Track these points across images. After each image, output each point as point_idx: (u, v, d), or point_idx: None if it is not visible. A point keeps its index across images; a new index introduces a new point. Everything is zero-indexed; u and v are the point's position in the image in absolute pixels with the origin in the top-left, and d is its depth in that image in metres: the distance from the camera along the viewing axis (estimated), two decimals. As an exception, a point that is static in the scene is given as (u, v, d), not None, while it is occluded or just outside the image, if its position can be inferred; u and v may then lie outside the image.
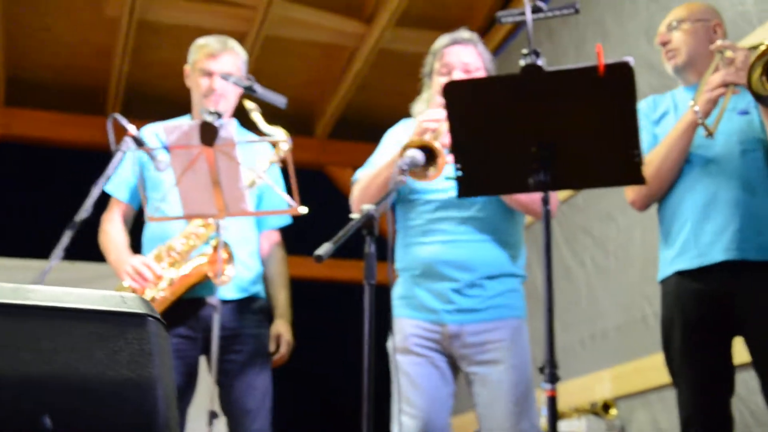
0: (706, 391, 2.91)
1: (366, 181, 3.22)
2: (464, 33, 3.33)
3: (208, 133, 3.03)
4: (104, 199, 3.24)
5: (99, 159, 3.59)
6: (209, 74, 3.54)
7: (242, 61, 3.66)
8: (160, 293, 3.38)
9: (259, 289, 3.62)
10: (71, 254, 3.21)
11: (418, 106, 3.38)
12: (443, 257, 3.11)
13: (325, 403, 6.28)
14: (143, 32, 6.26)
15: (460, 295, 3.10)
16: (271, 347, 3.66)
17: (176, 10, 6.17)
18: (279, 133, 3.37)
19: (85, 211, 3.08)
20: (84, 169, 3.84)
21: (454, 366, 3.16)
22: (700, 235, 2.94)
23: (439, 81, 3.21)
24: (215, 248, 3.33)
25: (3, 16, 5.93)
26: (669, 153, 2.97)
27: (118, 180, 3.53)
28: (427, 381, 3.10)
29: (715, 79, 2.90)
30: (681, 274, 2.99)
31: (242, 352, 3.47)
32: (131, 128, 3.24)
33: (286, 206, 3.52)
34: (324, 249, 2.37)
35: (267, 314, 3.65)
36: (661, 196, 3.07)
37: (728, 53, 2.91)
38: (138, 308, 1.28)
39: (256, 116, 3.40)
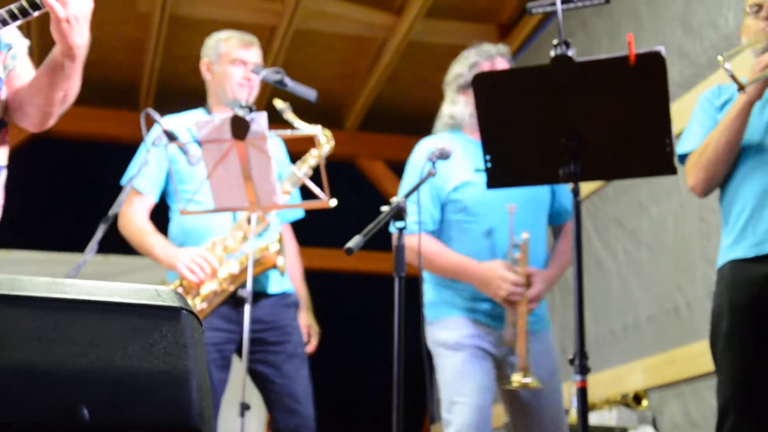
0: (748, 378, 2.88)
1: (436, 265, 3.34)
2: (491, 48, 3.49)
3: (240, 127, 3.04)
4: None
5: (132, 153, 3.63)
6: (244, 63, 3.56)
7: (260, 55, 3.71)
8: (222, 286, 3.42)
9: (290, 283, 3.65)
10: (103, 248, 3.24)
11: (439, 123, 3.49)
12: None
13: (355, 393, 6.28)
14: (174, 27, 6.28)
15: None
16: (306, 339, 3.72)
17: (207, 4, 6.19)
18: (318, 131, 3.42)
19: (118, 205, 3.10)
20: (117, 163, 3.86)
21: (499, 368, 3.29)
22: (758, 224, 2.91)
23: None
24: (280, 240, 3.43)
25: (36, 13, 5.97)
26: (723, 136, 2.94)
27: (146, 176, 3.52)
28: (482, 373, 3.22)
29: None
30: (736, 262, 2.96)
31: (289, 343, 3.51)
32: (163, 122, 3.26)
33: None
34: (354, 241, 2.38)
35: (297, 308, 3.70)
36: (719, 182, 3.03)
37: None
38: (172, 302, 1.30)
39: (289, 114, 3.43)
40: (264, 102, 4.84)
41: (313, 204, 3.38)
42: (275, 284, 3.54)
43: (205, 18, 6.28)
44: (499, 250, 3.24)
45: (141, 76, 6.80)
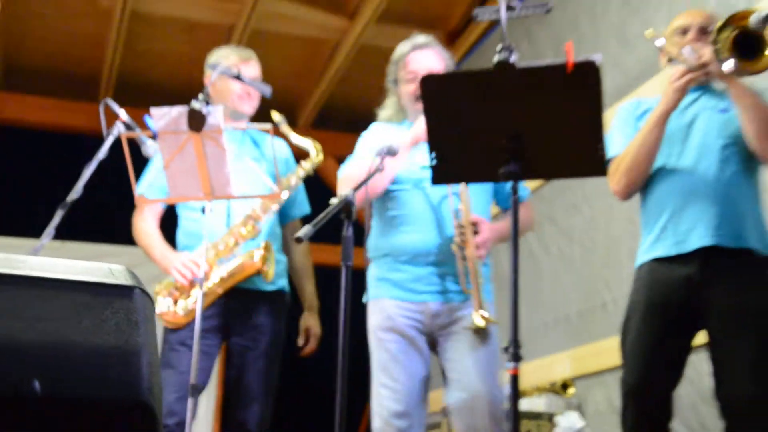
0: (648, 370, 2.93)
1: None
2: (421, 38, 3.33)
3: (196, 120, 3.01)
4: (94, 181, 3.20)
5: (90, 143, 3.57)
6: (238, 78, 3.56)
7: (258, 66, 3.70)
8: (212, 289, 3.42)
9: (285, 283, 3.64)
10: (64, 234, 3.20)
11: (385, 113, 3.39)
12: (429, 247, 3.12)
13: (303, 377, 6.24)
14: (135, 23, 6.21)
15: (442, 279, 3.11)
16: (300, 340, 3.69)
17: (167, 2, 6.13)
18: (310, 145, 3.53)
19: (76, 192, 3.07)
20: (76, 152, 3.81)
21: (433, 346, 3.15)
22: (679, 223, 2.96)
23: (408, 89, 3.24)
24: (266, 247, 3.41)
25: None
26: (642, 144, 3.00)
27: (148, 182, 3.52)
28: (408, 358, 3.08)
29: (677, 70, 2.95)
30: (657, 261, 3.01)
31: (262, 342, 3.49)
32: (122, 113, 3.22)
33: (306, 205, 3.61)
34: (304, 231, 2.37)
35: (288, 308, 3.66)
36: (640, 186, 3.08)
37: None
38: (125, 280, 1.28)
39: (285, 127, 3.48)
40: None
41: (264, 195, 3.37)
42: (268, 284, 3.51)
43: (165, 15, 6.23)
44: (444, 217, 3.13)
45: (102, 70, 6.71)
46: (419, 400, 3.08)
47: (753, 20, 2.80)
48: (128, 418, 1.20)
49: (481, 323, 2.96)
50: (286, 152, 3.73)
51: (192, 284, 3.39)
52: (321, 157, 3.59)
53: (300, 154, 3.70)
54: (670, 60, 3.06)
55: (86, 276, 1.27)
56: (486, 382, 3.01)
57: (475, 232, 3.07)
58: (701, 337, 3.00)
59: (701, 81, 3.07)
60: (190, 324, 3.36)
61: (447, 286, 3.12)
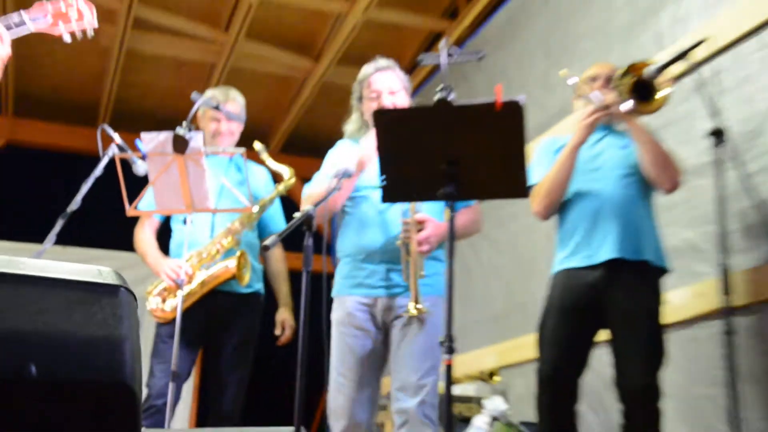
0: (561, 364, 2.97)
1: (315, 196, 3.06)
2: (383, 61, 3.26)
3: (180, 144, 2.99)
4: (92, 194, 3.16)
5: (89, 162, 3.52)
6: (217, 120, 3.56)
7: (241, 106, 3.68)
8: (194, 290, 3.42)
9: (260, 287, 3.62)
10: (64, 240, 3.15)
11: (350, 126, 3.32)
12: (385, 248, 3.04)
13: (268, 368, 6.17)
14: (130, 59, 6.15)
15: (396, 275, 3.03)
16: (278, 330, 3.70)
17: (158, 43, 6.08)
18: (285, 170, 3.54)
19: (75, 204, 3.03)
20: (76, 170, 3.76)
21: (386, 336, 3.07)
22: (590, 240, 3.00)
23: (371, 105, 3.16)
24: (240, 256, 3.42)
25: (14, 41, 5.77)
26: (558, 172, 3.04)
27: (147, 199, 3.45)
28: (365, 351, 3.02)
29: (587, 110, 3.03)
30: (570, 270, 3.04)
31: (238, 338, 3.48)
32: (116, 137, 3.19)
33: (282, 221, 3.60)
34: (270, 240, 2.35)
35: (263, 308, 3.64)
36: (557, 208, 3.12)
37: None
38: (112, 280, 1.26)
39: (265, 155, 3.49)
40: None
41: (238, 209, 3.35)
42: (244, 287, 3.51)
43: (156, 54, 6.18)
44: (391, 223, 3.05)
45: (100, 99, 6.63)
46: (372, 385, 3.02)
47: (648, 72, 2.87)
48: (112, 398, 1.18)
49: (414, 312, 2.88)
50: (265, 176, 3.73)
51: (178, 285, 3.36)
52: (293, 180, 3.58)
53: (276, 177, 3.71)
54: (580, 96, 3.12)
55: (78, 276, 1.26)
56: (418, 370, 2.92)
57: (421, 230, 2.97)
58: (604, 335, 3.04)
59: (606, 121, 3.13)
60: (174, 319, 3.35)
61: (396, 281, 3.04)
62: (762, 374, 3.02)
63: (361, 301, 3.04)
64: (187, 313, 3.35)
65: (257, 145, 3.49)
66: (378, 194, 3.04)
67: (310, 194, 3.12)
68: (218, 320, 3.45)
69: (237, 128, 3.57)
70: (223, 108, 3.43)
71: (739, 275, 3.09)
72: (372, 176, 3.07)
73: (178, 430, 2.65)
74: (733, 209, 3.19)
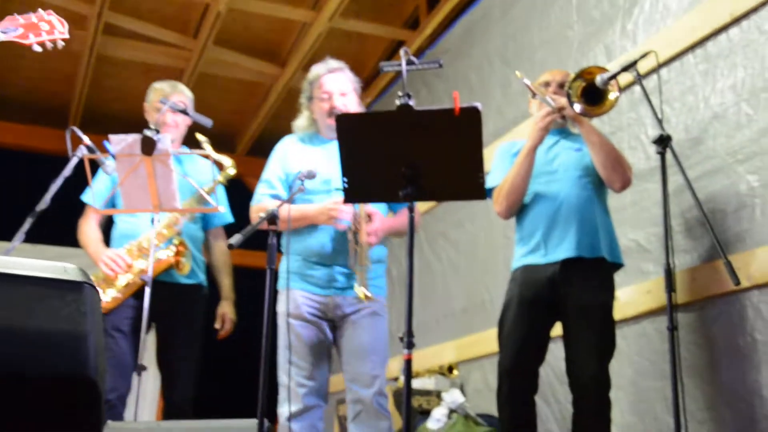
0: (520, 354, 2.98)
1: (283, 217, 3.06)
2: (334, 62, 3.27)
3: (148, 145, 2.96)
4: (61, 194, 3.11)
5: (59, 163, 3.46)
6: (184, 113, 3.50)
7: (189, 99, 3.63)
8: (133, 279, 3.36)
9: (203, 278, 3.57)
10: (34, 238, 3.10)
11: (299, 122, 3.32)
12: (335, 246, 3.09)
13: (231, 359, 6.12)
14: (101, 64, 6.07)
15: (346, 277, 3.08)
16: (218, 324, 3.64)
17: (128, 48, 6.02)
18: (226, 159, 3.46)
19: (44, 203, 2.98)
20: (46, 170, 3.69)
21: (334, 330, 3.11)
22: (549, 239, 3.03)
23: (322, 106, 3.19)
24: (179, 244, 3.36)
25: (-16, 44, 5.67)
26: (517, 173, 3.07)
27: (93, 192, 3.44)
28: (314, 339, 3.04)
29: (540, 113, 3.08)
30: (529, 267, 3.06)
31: (184, 328, 3.43)
32: (85, 139, 3.14)
33: (229, 213, 3.56)
34: (235, 239, 2.33)
35: (206, 300, 3.59)
36: (518, 208, 3.14)
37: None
38: (77, 277, 1.24)
39: (207, 146, 3.41)
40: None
41: (206, 209, 3.32)
42: (184, 278, 3.46)
43: (126, 59, 6.11)
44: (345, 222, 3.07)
45: (71, 102, 6.54)
46: (323, 374, 3.04)
47: (599, 80, 2.91)
48: (76, 393, 1.16)
49: (362, 296, 2.93)
50: (208, 168, 3.64)
51: (116, 275, 3.34)
52: (234, 171, 3.50)
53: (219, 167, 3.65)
54: (535, 96, 3.15)
55: (43, 273, 1.24)
56: (369, 362, 2.98)
57: (369, 223, 3.03)
58: (557, 329, 3.07)
59: (560, 124, 3.17)
60: (117, 310, 3.30)
61: (348, 282, 3.08)
62: (703, 367, 3.07)
63: (310, 297, 3.06)
64: (129, 304, 3.31)
65: (200, 137, 3.44)
66: (328, 197, 3.08)
67: (256, 209, 3.14)
68: (162, 312, 3.38)
69: (182, 121, 3.53)
70: (189, 110, 3.40)
71: (681, 274, 3.15)
72: (322, 181, 3.10)
73: (141, 422, 2.62)
74: (676, 211, 3.25)
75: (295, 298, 3.05)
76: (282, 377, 2.99)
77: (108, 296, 3.37)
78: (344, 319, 3.08)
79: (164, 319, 3.39)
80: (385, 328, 3.14)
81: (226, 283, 3.67)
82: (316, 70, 3.25)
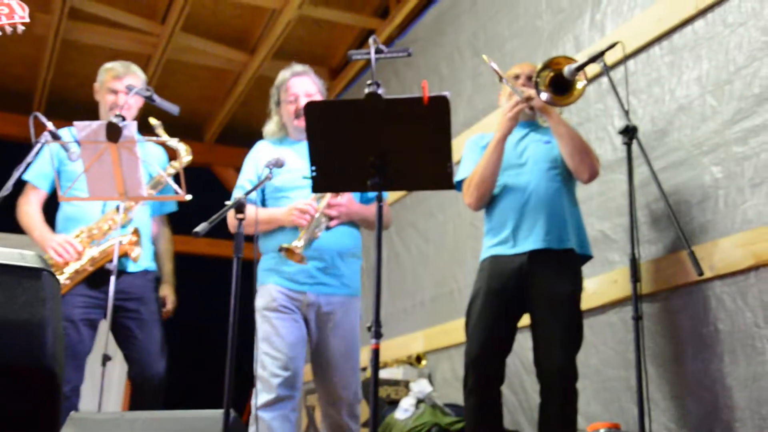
0: (486, 345, 2.99)
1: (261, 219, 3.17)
2: (299, 67, 3.38)
3: (113, 132, 2.91)
4: (23, 182, 3.06)
5: (21, 150, 3.41)
6: (114, 92, 3.49)
7: (142, 81, 3.60)
8: (83, 267, 3.33)
9: (153, 263, 3.58)
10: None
11: (269, 128, 3.40)
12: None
13: (203, 348, 6.11)
14: (66, 49, 5.97)
15: (321, 273, 3.13)
16: (162, 305, 3.63)
17: (94, 33, 5.92)
18: (180, 145, 3.43)
19: (6, 189, 2.92)
20: (8, 157, 3.63)
21: (308, 325, 3.15)
22: (518, 231, 3.05)
23: (289, 108, 3.29)
24: (133, 232, 3.35)
25: (-55, 27, 5.54)
26: (487, 164, 3.08)
27: (37, 171, 3.44)
28: (288, 332, 3.07)
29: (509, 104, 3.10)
30: (497, 257, 3.07)
31: (146, 311, 3.42)
32: (49, 125, 3.08)
33: (175, 202, 3.54)
34: (201, 227, 2.32)
35: (157, 285, 3.60)
36: (488, 199, 3.14)
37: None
38: (35, 263, 1.22)
39: (160, 131, 3.39)
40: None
41: (173, 197, 3.30)
42: (134, 265, 3.45)
43: (92, 44, 6.01)
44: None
45: (35, 87, 6.43)
46: (297, 365, 3.06)
47: (566, 71, 2.93)
48: (33, 381, 1.14)
49: (290, 246, 2.98)
50: (159, 153, 3.67)
51: (66, 262, 3.30)
52: (190, 158, 3.49)
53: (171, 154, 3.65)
54: (501, 79, 3.17)
55: (0, 260, 1.21)
56: (341, 380, 3.09)
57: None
58: (525, 320, 3.09)
59: (528, 116, 3.18)
60: (66, 299, 3.27)
61: (323, 280, 3.12)
62: (667, 356, 3.12)
63: (286, 292, 3.11)
64: (79, 293, 3.28)
65: (153, 121, 3.43)
66: (299, 195, 3.12)
67: (260, 219, 3.18)
68: (120, 297, 3.34)
69: (135, 103, 3.52)
70: (156, 97, 3.35)
71: (646, 264, 3.18)
72: (293, 178, 3.16)
73: (106, 413, 2.59)
74: (642, 202, 3.29)
75: (270, 293, 3.11)
76: (258, 370, 3.01)
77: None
78: (319, 318, 3.13)
79: (123, 304, 3.37)
80: (355, 332, 3.21)
81: (168, 268, 3.74)
82: (282, 75, 3.36)
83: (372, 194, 3.27)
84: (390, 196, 5.20)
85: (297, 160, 3.20)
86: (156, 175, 3.44)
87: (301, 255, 3.00)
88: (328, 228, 3.10)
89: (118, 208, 3.35)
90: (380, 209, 2.45)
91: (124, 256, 3.35)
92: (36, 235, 3.39)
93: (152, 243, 3.65)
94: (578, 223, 3.12)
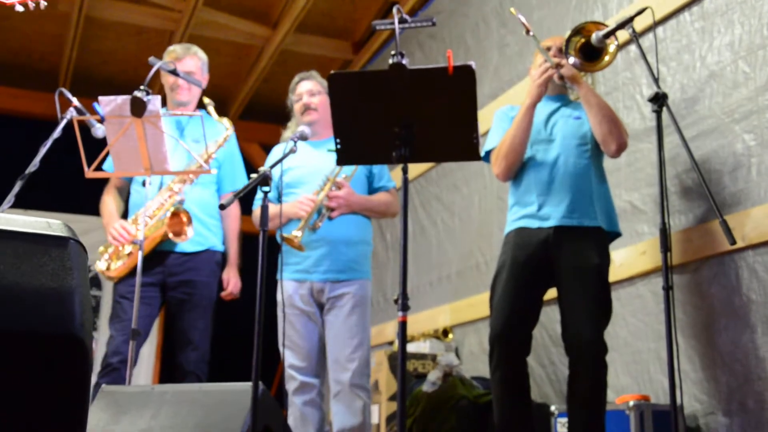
0: (513, 319, 2.97)
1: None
2: (304, 73, 3.69)
3: (138, 107, 2.92)
4: (49, 156, 3.07)
5: (48, 127, 3.43)
6: (174, 73, 3.49)
7: (203, 62, 3.65)
8: (136, 248, 3.35)
9: (215, 242, 3.57)
10: (25, 204, 3.08)
11: (287, 132, 3.64)
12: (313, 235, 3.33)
13: (232, 326, 6.15)
14: (90, 26, 5.99)
15: (327, 260, 3.33)
16: (225, 287, 3.65)
17: (118, 9, 5.92)
18: (225, 122, 3.55)
19: (33, 165, 2.94)
20: (36, 135, 3.65)
21: (322, 312, 3.37)
22: (544, 204, 3.02)
23: (297, 107, 3.58)
24: (174, 213, 3.37)
25: (-30, 7, 5.57)
26: (516, 131, 3.06)
27: (111, 160, 3.46)
28: (305, 328, 3.33)
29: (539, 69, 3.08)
30: (522, 229, 3.05)
31: (193, 295, 3.43)
32: (74, 100, 3.10)
33: (240, 176, 3.58)
34: (227, 199, 2.32)
35: (220, 265, 3.61)
36: (516, 169, 3.11)
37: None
38: (61, 232, 1.22)
39: (211, 108, 3.48)
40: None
41: (198, 171, 3.30)
42: (194, 244, 3.48)
43: (116, 20, 6.02)
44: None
45: (60, 65, 6.46)
46: (315, 357, 3.34)
47: (594, 37, 2.88)
48: (63, 349, 1.15)
49: (287, 236, 3.22)
50: (216, 130, 3.67)
51: (121, 245, 3.39)
52: (231, 131, 3.58)
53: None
54: (528, 32, 3.14)
55: (27, 228, 1.21)
56: (348, 346, 3.26)
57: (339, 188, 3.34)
58: (552, 293, 3.07)
59: (559, 89, 3.14)
60: (125, 279, 3.35)
61: (329, 266, 3.32)
62: (698, 327, 3.08)
63: (298, 286, 3.35)
64: (134, 274, 3.33)
65: (206, 99, 3.51)
66: (304, 191, 3.36)
67: (258, 218, 3.32)
68: (174, 279, 3.41)
69: (195, 86, 3.53)
70: (180, 72, 3.36)
71: (677, 235, 3.14)
72: (300, 174, 3.40)
73: (135, 386, 2.62)
74: (671, 172, 3.24)
75: (286, 289, 3.36)
76: (284, 360, 3.31)
77: (116, 266, 3.44)
78: (329, 303, 3.34)
79: (176, 287, 3.42)
80: (367, 312, 3.39)
81: (232, 248, 3.70)
82: (293, 80, 3.69)
83: (379, 183, 3.51)
84: (415, 169, 5.19)
85: (305, 157, 3.44)
86: (203, 152, 3.49)
87: (299, 243, 3.22)
88: (330, 219, 3.32)
89: (166, 191, 3.41)
90: (406, 182, 2.43)
91: (166, 239, 3.37)
92: (104, 224, 3.52)
93: (220, 222, 3.67)
94: (607, 200, 3.08)
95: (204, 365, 3.43)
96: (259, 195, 3.34)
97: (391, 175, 3.61)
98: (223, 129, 3.57)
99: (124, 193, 3.63)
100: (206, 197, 3.58)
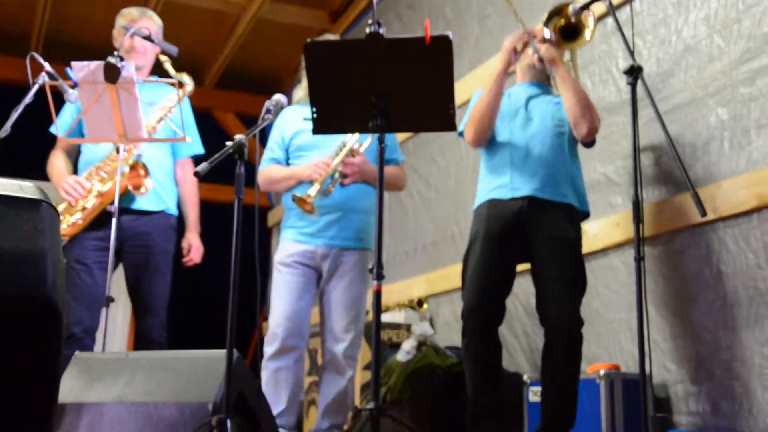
0: (487, 291, 2.98)
1: (275, 177, 3.42)
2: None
3: (112, 72, 2.89)
4: (21, 122, 3.03)
5: (19, 92, 3.38)
6: (149, 39, 3.44)
7: (158, 26, 3.59)
8: (91, 202, 3.33)
9: (170, 205, 3.54)
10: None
11: (297, 93, 3.56)
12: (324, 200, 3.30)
13: (208, 290, 6.13)
14: (61, -10, 5.89)
15: (335, 226, 3.31)
16: (185, 253, 3.63)
17: (90, -26, 5.83)
18: (185, 78, 3.43)
19: (4, 131, 2.92)
20: (6, 99, 3.61)
21: (320, 279, 3.36)
22: (515, 178, 3.03)
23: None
24: (132, 166, 3.31)
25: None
26: (487, 98, 3.08)
27: (60, 122, 3.42)
28: (297, 285, 3.29)
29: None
30: (494, 201, 3.06)
31: (153, 258, 3.41)
32: (46, 65, 3.06)
33: (199, 144, 3.53)
34: (202, 167, 2.31)
35: (176, 229, 3.59)
36: (487, 137, 3.12)
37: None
38: (33, 194, 1.22)
39: (168, 66, 3.41)
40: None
41: (173, 139, 3.28)
42: (145, 203, 3.43)
43: (88, -15, 5.92)
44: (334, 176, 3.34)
45: (32, 30, 6.35)
46: (302, 317, 3.28)
47: (571, 9, 2.90)
48: (35, 311, 1.15)
49: (300, 195, 3.20)
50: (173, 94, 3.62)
51: (76, 200, 3.32)
52: (191, 87, 3.48)
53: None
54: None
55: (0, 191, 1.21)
56: (344, 319, 3.26)
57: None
58: (527, 264, 3.09)
59: (540, 75, 3.16)
60: (79, 242, 3.28)
61: (337, 233, 3.30)
62: (668, 298, 3.14)
63: (301, 248, 3.32)
64: (92, 236, 3.28)
65: (162, 57, 3.44)
66: (317, 154, 3.32)
67: (268, 176, 3.42)
68: (130, 242, 3.36)
69: (151, 48, 3.48)
70: (154, 38, 3.32)
71: (649, 207, 3.18)
72: (313, 138, 3.28)
73: (110, 353, 2.63)
74: (646, 144, 3.27)
75: (287, 248, 3.34)
76: (271, 313, 3.28)
77: (69, 221, 3.34)
78: (330, 270, 3.32)
79: (133, 251, 3.37)
80: (366, 284, 3.35)
81: (191, 214, 3.68)
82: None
83: (390, 156, 3.47)
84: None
85: None
86: (161, 114, 3.42)
87: (312, 204, 3.18)
88: (342, 185, 3.30)
89: (117, 150, 3.31)
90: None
91: (128, 191, 3.31)
92: (54, 181, 3.45)
93: (176, 187, 3.63)
94: (579, 181, 3.10)
95: (164, 332, 3.42)
96: (266, 156, 3.44)
97: (401, 149, 3.63)
98: (173, 93, 3.52)
99: (73, 156, 3.57)
100: (162, 159, 3.55)
